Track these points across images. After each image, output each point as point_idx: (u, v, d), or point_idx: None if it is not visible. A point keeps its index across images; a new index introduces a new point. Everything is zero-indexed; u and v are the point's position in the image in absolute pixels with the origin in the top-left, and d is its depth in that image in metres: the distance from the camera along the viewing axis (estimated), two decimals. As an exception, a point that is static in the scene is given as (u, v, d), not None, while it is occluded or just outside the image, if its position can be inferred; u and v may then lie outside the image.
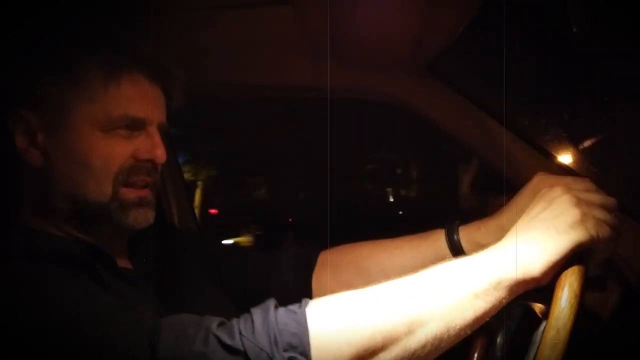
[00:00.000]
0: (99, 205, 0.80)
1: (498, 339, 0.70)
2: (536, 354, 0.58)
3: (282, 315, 0.61)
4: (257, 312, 0.62)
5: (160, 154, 0.83)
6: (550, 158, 1.27)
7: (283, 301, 0.96)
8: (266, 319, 0.61)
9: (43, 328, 0.62)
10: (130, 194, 0.81)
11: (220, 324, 0.62)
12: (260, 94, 1.49)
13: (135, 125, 0.81)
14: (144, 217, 0.83)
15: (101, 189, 0.79)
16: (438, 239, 0.88)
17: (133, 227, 0.82)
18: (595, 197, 0.66)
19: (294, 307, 0.63)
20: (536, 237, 0.60)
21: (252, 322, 0.61)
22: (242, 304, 0.96)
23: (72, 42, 0.82)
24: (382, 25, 1.10)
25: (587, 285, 0.58)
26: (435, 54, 1.23)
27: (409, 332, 0.59)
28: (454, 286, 0.61)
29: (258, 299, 0.98)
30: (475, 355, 0.76)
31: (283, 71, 1.33)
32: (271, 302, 0.64)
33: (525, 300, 0.61)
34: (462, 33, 1.11)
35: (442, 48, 1.19)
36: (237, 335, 0.60)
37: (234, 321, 0.62)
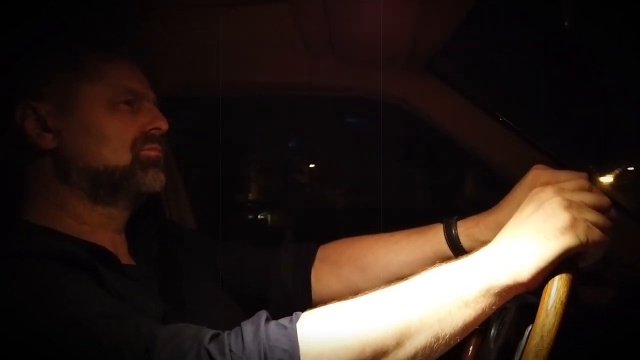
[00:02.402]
0: (121, 169, 0.85)
1: (492, 331, 0.71)
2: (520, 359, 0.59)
3: (272, 330, 0.61)
4: (247, 327, 0.62)
5: (162, 123, 0.90)
6: (547, 155, 1.28)
7: (282, 298, 0.98)
8: (257, 335, 0.60)
9: (37, 331, 0.62)
10: (150, 152, 0.88)
11: (213, 338, 0.62)
12: (256, 91, 1.49)
13: (135, 99, 0.89)
14: (159, 177, 0.89)
15: (119, 157, 0.85)
16: (436, 234, 0.88)
17: (150, 186, 0.88)
18: (588, 198, 0.64)
19: (285, 321, 0.62)
20: (525, 243, 0.60)
21: (243, 338, 0.61)
22: (242, 301, 0.98)
23: (75, 35, 0.90)
24: (378, 23, 1.10)
25: (574, 292, 0.58)
26: (433, 52, 1.23)
27: (398, 344, 0.59)
28: (443, 296, 0.60)
29: (257, 297, 1.00)
30: (470, 348, 0.77)
31: (280, 69, 1.33)
32: (262, 316, 0.64)
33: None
34: (459, 31, 1.12)
35: (439, 45, 1.20)
36: (227, 352, 0.60)
37: (225, 336, 0.62)
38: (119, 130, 0.85)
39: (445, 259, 0.84)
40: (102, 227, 0.87)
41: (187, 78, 1.36)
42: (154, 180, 0.88)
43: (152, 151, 0.89)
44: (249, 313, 0.67)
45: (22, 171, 0.86)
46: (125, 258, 0.88)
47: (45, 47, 0.88)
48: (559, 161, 1.26)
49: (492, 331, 0.71)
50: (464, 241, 0.86)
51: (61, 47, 0.88)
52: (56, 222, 0.83)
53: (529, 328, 0.60)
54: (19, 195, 0.86)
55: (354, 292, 0.66)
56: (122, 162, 0.85)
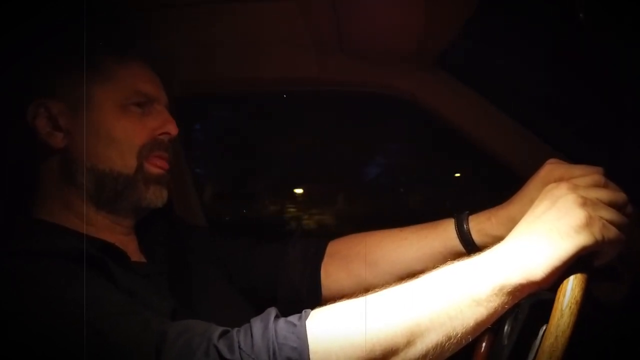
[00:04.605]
0: (124, 177, 0.86)
1: (505, 328, 0.70)
2: (534, 359, 0.58)
3: (281, 328, 0.61)
4: (256, 325, 0.62)
5: (172, 127, 0.91)
6: (560, 150, 1.26)
7: (291, 295, 0.98)
8: (266, 332, 0.61)
9: (47, 327, 0.63)
10: (153, 168, 0.88)
11: (222, 335, 0.62)
12: (265, 88, 1.49)
13: (145, 102, 0.89)
14: (161, 194, 0.90)
15: (126, 162, 0.86)
16: (447, 229, 0.88)
17: (151, 202, 0.89)
18: (603, 194, 0.63)
19: (294, 318, 0.62)
20: (538, 241, 0.59)
21: (252, 335, 0.61)
22: (251, 298, 0.98)
23: (86, 36, 0.90)
24: (387, 18, 1.10)
25: (589, 291, 0.57)
26: (443, 47, 1.22)
27: (409, 343, 0.58)
28: (455, 294, 0.59)
29: (266, 293, 1.00)
30: (483, 345, 0.76)
31: (289, 65, 1.33)
32: (271, 313, 0.64)
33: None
34: (469, 25, 1.11)
35: (449, 40, 1.19)
36: (236, 349, 0.60)
37: (235, 333, 0.62)
38: (127, 133, 0.86)
39: (455, 254, 0.84)
40: (108, 229, 0.88)
41: (195, 76, 1.36)
42: (155, 197, 0.89)
43: (156, 167, 0.89)
44: (258, 310, 0.67)
45: (32, 170, 0.87)
46: (134, 256, 0.89)
47: (60, 47, 0.89)
48: (572, 156, 1.25)
49: (506, 328, 0.70)
50: (476, 236, 0.85)
51: (75, 47, 0.88)
52: (64, 221, 0.84)
53: (543, 328, 0.59)
54: (30, 193, 0.86)
55: (364, 288, 0.66)
56: (127, 169, 0.86)
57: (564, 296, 0.57)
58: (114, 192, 0.86)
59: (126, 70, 0.89)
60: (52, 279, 0.67)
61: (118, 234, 0.89)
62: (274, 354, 0.59)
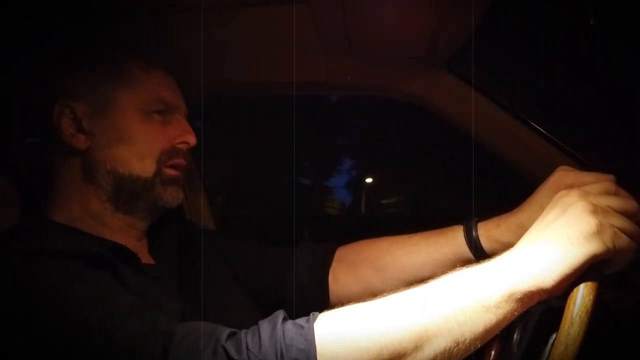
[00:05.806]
0: (143, 180, 0.87)
1: (515, 335, 0.70)
2: None
3: (289, 330, 0.61)
4: (264, 326, 0.62)
5: (191, 138, 0.93)
6: (571, 156, 1.25)
7: (299, 299, 0.98)
8: (273, 334, 0.61)
9: (56, 326, 0.63)
10: (171, 171, 0.91)
11: (230, 336, 0.62)
12: (273, 91, 1.49)
13: (167, 110, 0.91)
14: (177, 195, 0.92)
15: (145, 166, 0.88)
16: (456, 236, 0.87)
17: (167, 202, 0.91)
18: (615, 202, 0.62)
19: (301, 321, 0.62)
20: (549, 248, 0.58)
21: (260, 336, 0.61)
22: (259, 301, 0.98)
23: (112, 43, 0.94)
24: (397, 21, 1.09)
25: (600, 299, 0.57)
26: (453, 50, 1.22)
27: (417, 348, 0.58)
28: (464, 300, 0.59)
29: (274, 296, 1.00)
30: (492, 353, 0.75)
31: (297, 68, 1.33)
32: (279, 315, 0.64)
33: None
34: (479, 28, 1.10)
35: (459, 43, 1.18)
36: (244, 350, 0.60)
37: (243, 334, 0.62)
38: (148, 139, 0.88)
39: (464, 261, 0.83)
40: (122, 231, 0.89)
41: (204, 79, 1.37)
42: (172, 198, 0.91)
43: (174, 170, 0.91)
44: (266, 312, 0.67)
45: (49, 170, 0.88)
46: (144, 258, 0.89)
47: (88, 50, 0.91)
48: (584, 162, 1.23)
49: (515, 335, 0.69)
50: (485, 243, 0.85)
51: (103, 52, 0.91)
52: (78, 222, 0.85)
53: (553, 336, 0.59)
54: (44, 193, 0.88)
55: (372, 293, 0.66)
56: (146, 173, 0.87)
57: (575, 304, 0.56)
58: (132, 194, 0.88)
59: (150, 77, 0.91)
60: (54, 278, 0.67)
61: (130, 237, 0.90)
62: (282, 355, 0.59)
